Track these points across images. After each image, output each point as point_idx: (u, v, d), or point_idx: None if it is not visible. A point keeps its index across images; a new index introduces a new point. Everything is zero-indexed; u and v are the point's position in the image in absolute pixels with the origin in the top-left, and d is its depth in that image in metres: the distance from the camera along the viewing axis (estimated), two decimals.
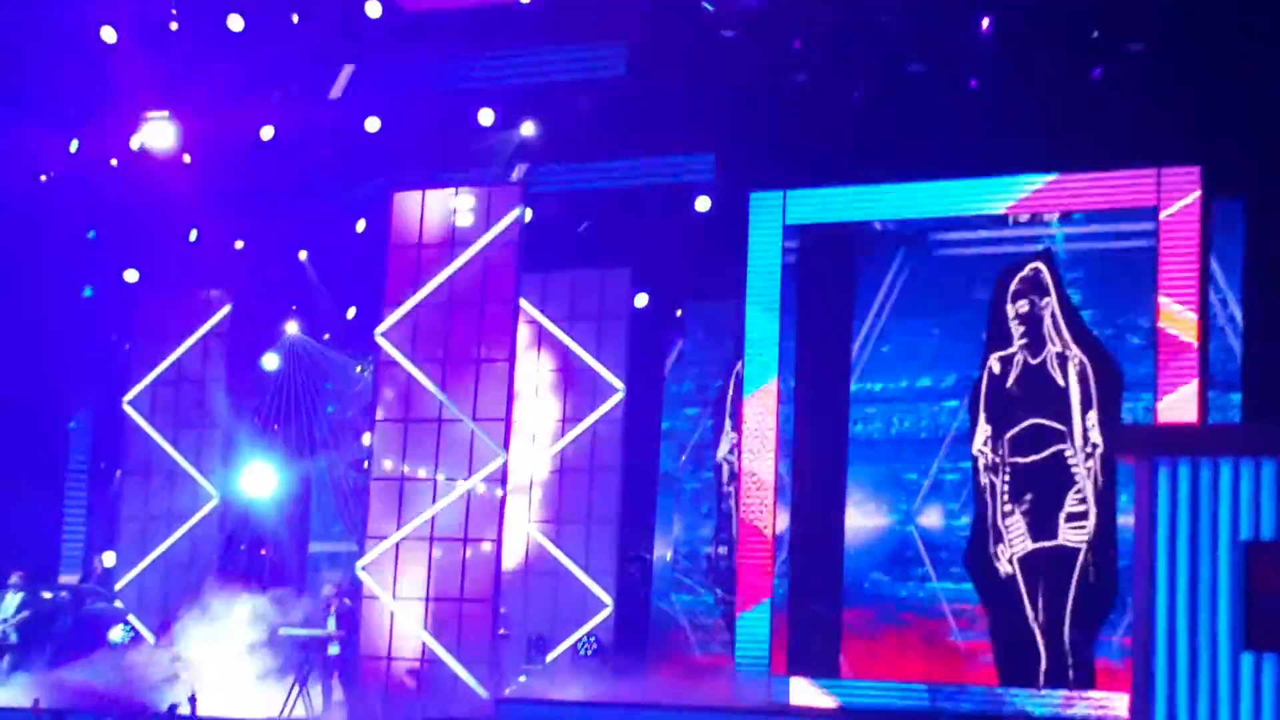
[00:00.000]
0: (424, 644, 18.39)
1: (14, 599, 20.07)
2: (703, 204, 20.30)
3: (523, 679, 19.24)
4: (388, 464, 19.25)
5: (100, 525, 23.56)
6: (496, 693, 17.85)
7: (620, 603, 20.30)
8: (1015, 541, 18.27)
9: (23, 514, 22.15)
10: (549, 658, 19.79)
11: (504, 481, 18.67)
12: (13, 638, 19.96)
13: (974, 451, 18.69)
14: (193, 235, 22.90)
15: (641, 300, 21.03)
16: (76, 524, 23.99)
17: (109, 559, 22.39)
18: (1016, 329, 18.62)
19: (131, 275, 23.36)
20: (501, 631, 18.74)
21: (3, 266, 21.89)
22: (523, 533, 20.65)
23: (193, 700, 15.31)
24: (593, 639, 19.83)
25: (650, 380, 20.99)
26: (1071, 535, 18.00)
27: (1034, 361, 18.50)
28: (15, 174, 22.17)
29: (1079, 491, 18.03)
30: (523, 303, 19.87)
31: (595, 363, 20.85)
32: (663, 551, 20.65)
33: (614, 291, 20.94)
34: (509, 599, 19.46)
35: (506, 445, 18.63)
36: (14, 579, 20.27)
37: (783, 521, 19.21)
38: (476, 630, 18.14)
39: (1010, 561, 18.26)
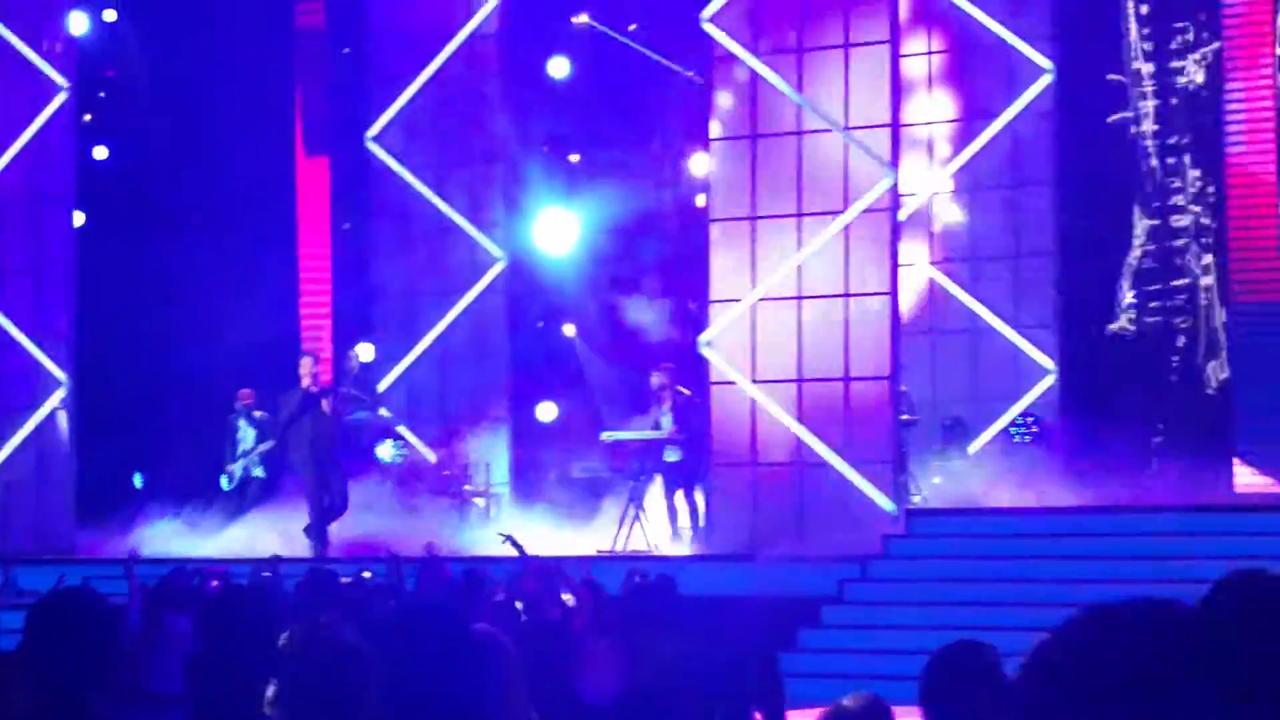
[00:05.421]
0: (799, 440, 15.35)
1: (249, 429, 17.53)
2: None
3: (937, 480, 17.06)
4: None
5: (349, 302, 19.80)
6: (904, 502, 15.29)
7: (1066, 369, 17.90)
8: None
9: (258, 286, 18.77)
10: (971, 448, 17.66)
11: (894, 211, 15.58)
12: (256, 472, 17.63)
13: None
14: None
15: None
16: (319, 303, 20.00)
17: (366, 352, 18.86)
18: None
19: None
20: (904, 417, 16.17)
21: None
22: (923, 279, 18.26)
23: (511, 540, 12.00)
24: (1031, 419, 17.68)
25: (1091, 58, 18.36)
26: None
27: None
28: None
29: None
30: None
31: (1012, 36, 18.11)
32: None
33: None
34: (910, 373, 16.89)
35: (894, 161, 15.54)
36: (241, 401, 17.56)
37: None
38: (870, 418, 15.20)
39: None
